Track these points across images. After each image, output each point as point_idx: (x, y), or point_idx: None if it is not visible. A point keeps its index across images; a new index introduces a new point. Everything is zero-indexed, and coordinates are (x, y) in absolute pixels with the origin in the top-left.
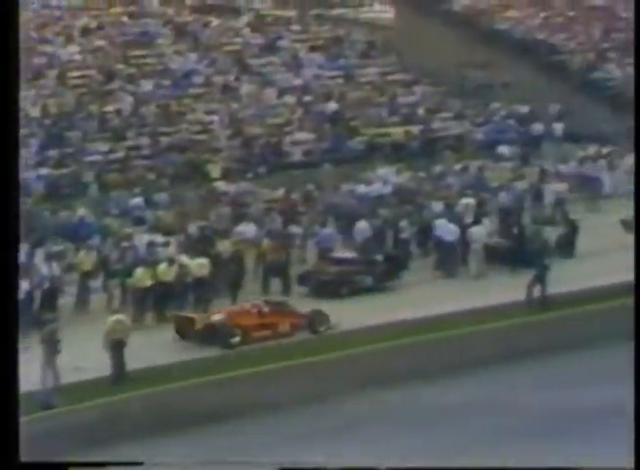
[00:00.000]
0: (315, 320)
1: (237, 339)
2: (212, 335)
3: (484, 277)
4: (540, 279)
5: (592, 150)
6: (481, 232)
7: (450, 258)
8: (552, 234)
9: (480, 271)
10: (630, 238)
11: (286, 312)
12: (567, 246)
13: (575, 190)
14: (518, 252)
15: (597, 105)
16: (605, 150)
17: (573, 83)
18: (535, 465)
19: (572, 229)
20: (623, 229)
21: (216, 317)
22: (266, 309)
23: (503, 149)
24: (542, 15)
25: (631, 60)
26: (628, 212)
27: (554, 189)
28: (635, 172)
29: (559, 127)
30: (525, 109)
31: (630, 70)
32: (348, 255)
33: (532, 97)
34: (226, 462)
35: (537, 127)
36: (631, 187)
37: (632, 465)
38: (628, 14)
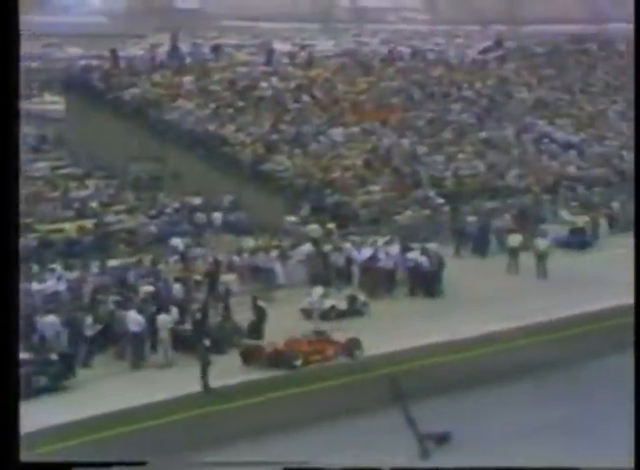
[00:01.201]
0: (352, 347)
1: (299, 362)
2: (279, 359)
3: (173, 365)
4: (204, 369)
5: (263, 241)
6: (167, 320)
7: (136, 349)
8: (244, 322)
9: (168, 360)
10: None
11: (328, 340)
12: (256, 332)
13: (249, 281)
14: (201, 339)
15: (268, 196)
16: (275, 242)
17: (244, 174)
18: None
19: (261, 316)
20: (303, 317)
21: (278, 345)
22: (313, 338)
23: (175, 241)
24: (212, 105)
25: None
26: (306, 302)
27: (225, 280)
28: (635, 172)
29: (231, 218)
30: (197, 200)
31: None
32: (24, 356)
33: (204, 188)
34: (227, 462)
35: (209, 218)
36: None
37: (632, 465)
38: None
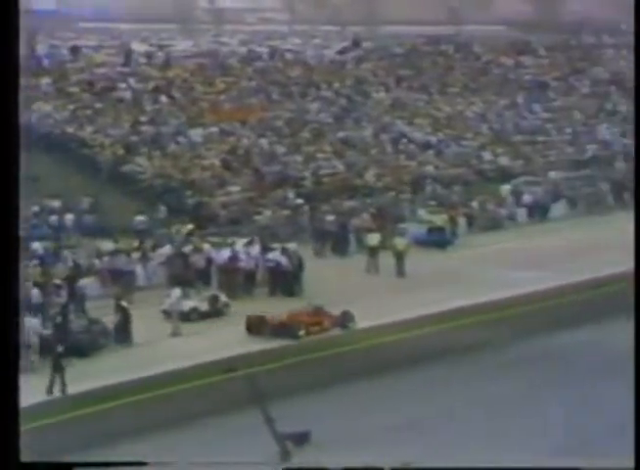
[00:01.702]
0: (345, 319)
1: (302, 332)
2: (283, 330)
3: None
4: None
5: (124, 243)
6: (35, 324)
7: None
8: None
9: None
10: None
11: (325, 313)
12: (123, 333)
13: (109, 283)
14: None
15: (128, 198)
16: (136, 243)
17: (104, 176)
18: None
19: (125, 317)
20: (164, 318)
21: (282, 317)
22: (311, 311)
23: (36, 245)
24: (70, 107)
25: None
26: (166, 303)
27: (84, 283)
28: (635, 171)
29: (89, 220)
30: (56, 203)
31: None
32: None
33: (63, 191)
34: (226, 463)
35: (68, 221)
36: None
37: (632, 465)
38: (156, 106)
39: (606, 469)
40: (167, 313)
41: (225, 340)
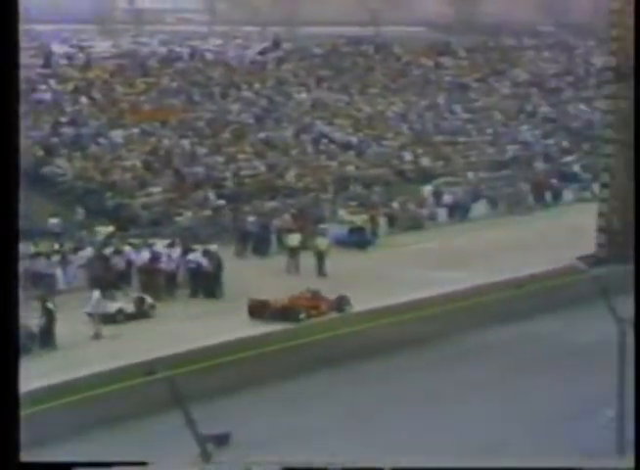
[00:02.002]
0: (341, 303)
1: (303, 315)
2: (285, 313)
3: None
4: None
5: (44, 246)
6: None
7: None
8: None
9: None
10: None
11: (322, 297)
12: (47, 336)
13: (29, 287)
14: None
15: (48, 200)
16: (56, 246)
17: (24, 178)
18: None
19: (50, 320)
20: (90, 320)
21: (284, 301)
22: (309, 295)
23: None
24: None
25: None
26: (90, 306)
27: None
28: (635, 171)
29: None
30: None
31: None
32: None
33: None
34: (226, 463)
35: None
36: None
37: (632, 465)
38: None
39: (606, 469)
40: (91, 316)
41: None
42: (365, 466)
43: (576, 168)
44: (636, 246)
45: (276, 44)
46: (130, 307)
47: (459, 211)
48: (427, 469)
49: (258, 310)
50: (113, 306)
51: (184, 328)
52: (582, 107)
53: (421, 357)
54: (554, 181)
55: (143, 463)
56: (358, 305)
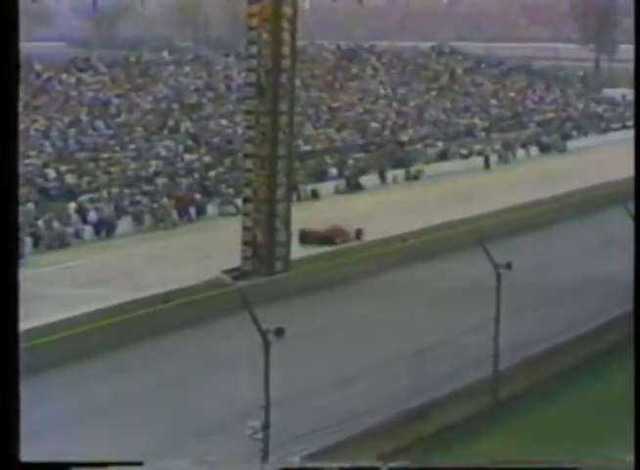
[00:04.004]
0: (359, 234)
1: (339, 241)
2: (326, 239)
3: None
4: None
5: None
6: None
7: None
8: None
9: None
10: None
11: (345, 230)
12: None
13: None
14: None
15: None
16: None
17: None
18: None
19: None
20: None
21: (323, 231)
22: (337, 228)
23: None
24: None
25: None
26: None
27: None
28: (635, 170)
29: None
30: None
31: None
32: None
33: None
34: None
35: None
36: None
37: (632, 465)
38: None
39: (605, 469)
40: None
41: None
42: (364, 466)
43: (219, 183)
44: (636, 246)
45: None
46: None
47: (104, 228)
48: (426, 469)
49: (307, 238)
50: None
51: None
52: (223, 122)
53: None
54: (197, 196)
55: (139, 463)
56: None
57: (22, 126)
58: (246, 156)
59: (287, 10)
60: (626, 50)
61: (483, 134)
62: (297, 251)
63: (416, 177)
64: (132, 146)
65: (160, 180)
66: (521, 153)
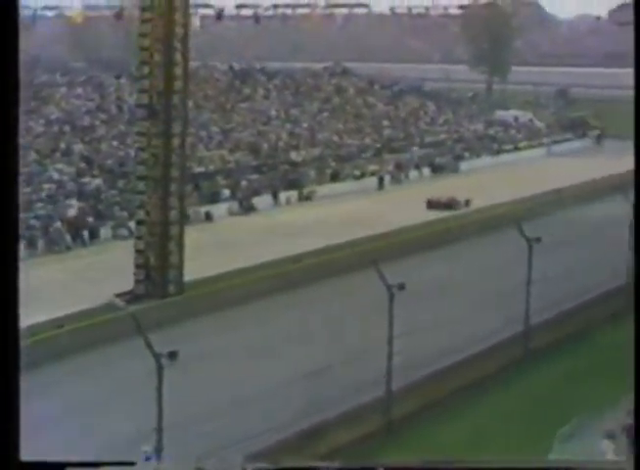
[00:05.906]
0: (468, 202)
1: (453, 207)
2: (447, 205)
3: None
4: None
5: None
6: None
7: None
8: None
9: None
10: None
11: (456, 200)
12: None
13: None
14: None
15: None
16: None
17: None
18: None
19: None
20: None
21: (444, 199)
22: (452, 198)
23: None
24: None
25: None
26: None
27: None
28: (635, 172)
29: None
30: None
31: None
32: None
33: None
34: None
35: None
36: None
37: (632, 465)
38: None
39: (605, 469)
40: None
41: None
42: (362, 466)
43: (112, 206)
44: (636, 246)
45: None
46: None
47: None
48: (426, 469)
49: (433, 204)
50: None
51: None
52: (115, 144)
53: None
54: (90, 219)
55: (131, 463)
56: None
57: None
58: (138, 178)
59: (179, 30)
60: (516, 73)
61: (376, 155)
62: None
63: (308, 198)
64: (24, 169)
65: (51, 205)
66: (414, 173)
